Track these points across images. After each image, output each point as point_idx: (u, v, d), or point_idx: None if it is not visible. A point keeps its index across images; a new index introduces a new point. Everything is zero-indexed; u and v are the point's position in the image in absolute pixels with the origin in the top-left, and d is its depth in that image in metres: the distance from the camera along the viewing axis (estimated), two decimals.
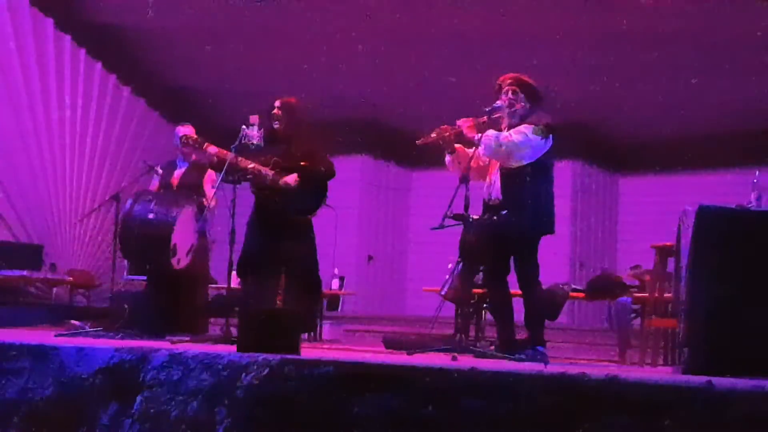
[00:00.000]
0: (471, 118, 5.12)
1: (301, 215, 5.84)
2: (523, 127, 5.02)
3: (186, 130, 6.45)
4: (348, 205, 11.30)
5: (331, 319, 9.90)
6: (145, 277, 6.64)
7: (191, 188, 6.28)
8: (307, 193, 5.83)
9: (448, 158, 5.27)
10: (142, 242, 5.79)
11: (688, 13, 9.92)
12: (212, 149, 5.77)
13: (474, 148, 5.07)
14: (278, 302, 5.65)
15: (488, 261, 5.36)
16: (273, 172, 5.77)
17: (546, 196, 5.15)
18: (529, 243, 5.12)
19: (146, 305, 6.23)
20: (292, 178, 5.77)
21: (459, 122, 5.15)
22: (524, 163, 5.00)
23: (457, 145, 5.25)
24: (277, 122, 5.84)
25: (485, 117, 5.09)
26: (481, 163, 5.28)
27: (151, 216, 5.80)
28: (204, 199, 6.22)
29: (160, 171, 6.48)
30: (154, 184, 6.48)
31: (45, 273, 10.41)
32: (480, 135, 5.02)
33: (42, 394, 3.93)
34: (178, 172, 6.40)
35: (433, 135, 5.17)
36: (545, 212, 5.14)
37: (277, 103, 5.90)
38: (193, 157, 6.39)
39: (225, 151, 5.65)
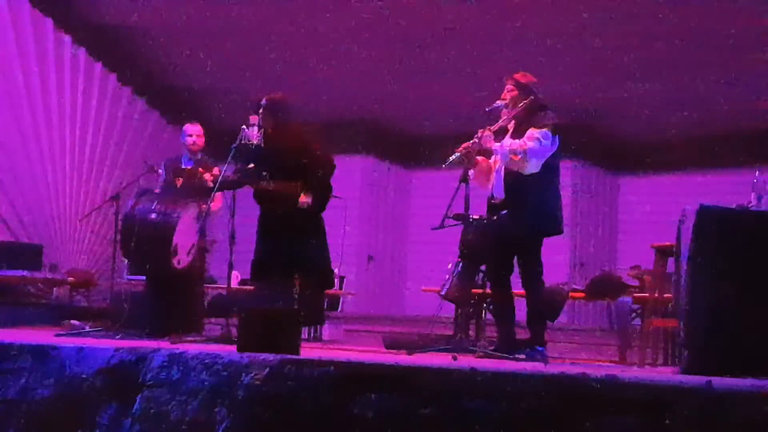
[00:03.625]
0: (487, 129, 5.11)
1: (307, 218, 5.86)
2: (535, 133, 5.02)
3: (195, 129, 6.45)
4: (348, 205, 11.28)
5: (331, 319, 9.88)
6: (144, 277, 6.63)
7: (196, 188, 6.27)
8: (313, 199, 5.85)
9: (471, 173, 5.26)
10: (142, 242, 5.78)
11: (688, 12, 9.92)
12: (208, 177, 5.81)
13: (493, 156, 5.11)
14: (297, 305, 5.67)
15: (491, 261, 5.36)
16: (273, 184, 5.78)
17: (552, 196, 5.15)
18: (532, 243, 5.12)
19: (145, 305, 6.23)
20: (305, 198, 5.79)
21: (478, 135, 5.14)
22: (539, 169, 5.02)
23: (478, 158, 5.26)
24: (264, 123, 5.82)
25: (497, 124, 5.11)
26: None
27: (153, 216, 5.80)
28: (208, 201, 6.23)
29: (161, 171, 6.46)
30: (160, 182, 6.43)
31: (45, 273, 10.40)
32: (497, 145, 5.04)
33: (42, 394, 3.93)
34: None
35: (457, 153, 5.14)
36: (550, 212, 5.13)
37: (263, 102, 5.87)
38: (199, 155, 6.39)
39: (219, 175, 5.67)
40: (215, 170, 6.02)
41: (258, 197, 5.92)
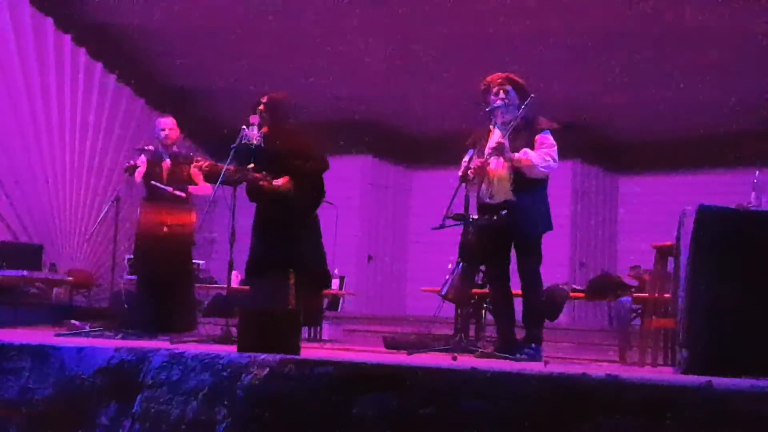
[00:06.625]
0: (498, 142, 5.12)
1: (301, 217, 5.84)
2: (548, 143, 5.14)
3: (167, 122, 6.48)
4: (348, 205, 11.29)
5: (331, 319, 9.89)
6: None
7: (180, 181, 6.31)
8: (303, 194, 5.82)
9: (471, 173, 5.31)
10: (160, 257, 5.92)
11: (687, 13, 9.92)
12: (202, 163, 5.82)
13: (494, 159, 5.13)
14: (292, 302, 5.67)
15: (490, 261, 5.38)
16: (267, 179, 5.76)
17: (546, 195, 5.24)
18: (535, 242, 5.17)
19: (139, 305, 6.26)
20: (282, 181, 5.76)
21: (496, 148, 5.15)
22: None
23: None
24: (262, 121, 5.80)
25: (509, 131, 5.14)
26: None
27: (165, 230, 5.94)
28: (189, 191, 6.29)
29: (146, 150, 6.43)
30: (142, 160, 6.41)
31: (45, 273, 10.41)
32: (517, 155, 5.07)
33: (42, 394, 3.93)
34: (165, 165, 6.39)
35: (473, 170, 5.17)
36: (548, 211, 5.23)
37: (263, 100, 5.87)
38: (174, 149, 6.41)
39: (218, 165, 5.67)
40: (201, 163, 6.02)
41: (250, 194, 5.90)
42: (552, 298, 6.54)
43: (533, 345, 5.06)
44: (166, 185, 6.22)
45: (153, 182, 6.20)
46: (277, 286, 5.75)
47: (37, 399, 3.93)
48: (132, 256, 7.35)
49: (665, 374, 3.90)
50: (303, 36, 11.36)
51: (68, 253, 11.89)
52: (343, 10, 10.86)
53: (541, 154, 5.09)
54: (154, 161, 6.37)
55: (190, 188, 6.32)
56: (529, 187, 5.12)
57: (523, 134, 5.16)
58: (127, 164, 6.33)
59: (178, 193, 6.22)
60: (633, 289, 7.17)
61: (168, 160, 6.39)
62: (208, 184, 6.21)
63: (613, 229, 14.63)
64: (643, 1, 10.06)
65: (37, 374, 3.98)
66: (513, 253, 5.28)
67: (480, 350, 5.20)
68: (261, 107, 5.80)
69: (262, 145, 5.71)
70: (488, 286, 5.69)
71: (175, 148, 6.45)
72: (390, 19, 10.94)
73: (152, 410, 3.60)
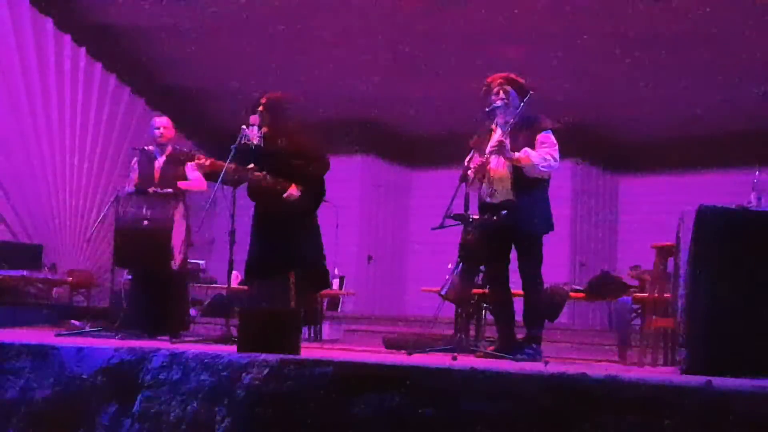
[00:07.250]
0: (498, 141, 5.12)
1: (301, 217, 5.85)
2: (549, 142, 5.14)
3: (162, 121, 6.49)
4: (348, 205, 11.30)
5: (331, 319, 9.89)
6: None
7: (173, 179, 6.29)
8: (304, 196, 5.82)
9: (471, 173, 5.30)
10: (139, 251, 5.84)
11: (688, 14, 9.93)
12: (204, 161, 5.80)
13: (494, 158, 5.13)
14: (292, 302, 5.66)
15: (490, 261, 5.39)
16: (267, 180, 5.76)
17: (547, 195, 5.24)
18: (536, 242, 5.18)
19: (134, 304, 6.24)
20: (294, 190, 5.76)
21: (490, 150, 5.14)
22: None
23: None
24: (262, 121, 5.80)
25: (508, 129, 5.13)
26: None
27: (145, 223, 5.85)
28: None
29: (136, 167, 6.44)
30: (133, 177, 6.43)
31: (45, 273, 10.42)
32: (519, 155, 5.07)
33: (42, 394, 3.93)
34: (157, 164, 6.38)
35: (473, 169, 5.17)
36: (549, 210, 5.22)
37: (262, 100, 5.87)
38: (169, 149, 6.41)
39: (219, 163, 5.64)
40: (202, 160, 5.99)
41: (251, 193, 5.90)
42: (552, 298, 6.53)
43: (533, 345, 5.07)
44: (158, 183, 6.22)
45: (144, 189, 6.18)
46: (277, 286, 5.76)
47: (37, 399, 3.93)
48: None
49: (665, 374, 3.90)
50: (303, 36, 11.37)
51: (68, 253, 11.89)
52: (343, 10, 10.86)
53: (542, 154, 5.09)
54: (147, 161, 6.38)
55: (180, 183, 6.27)
56: (529, 186, 5.12)
57: (524, 133, 5.16)
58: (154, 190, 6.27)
59: (166, 190, 6.19)
60: (633, 289, 7.17)
61: (161, 159, 6.39)
62: (201, 180, 6.19)
63: (613, 229, 14.64)
64: (643, 1, 10.06)
65: (37, 374, 3.98)
66: (513, 253, 5.29)
67: (480, 350, 5.20)
68: (260, 107, 5.80)
69: (262, 144, 5.71)
70: (488, 286, 5.69)
71: (170, 148, 6.44)
72: (390, 19, 10.94)
73: (152, 410, 3.60)
